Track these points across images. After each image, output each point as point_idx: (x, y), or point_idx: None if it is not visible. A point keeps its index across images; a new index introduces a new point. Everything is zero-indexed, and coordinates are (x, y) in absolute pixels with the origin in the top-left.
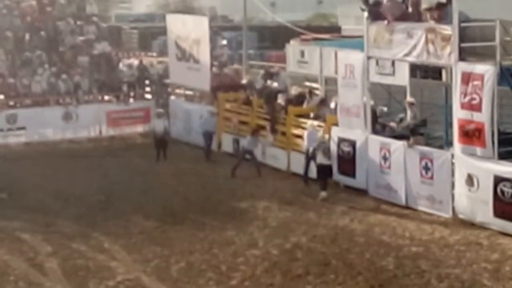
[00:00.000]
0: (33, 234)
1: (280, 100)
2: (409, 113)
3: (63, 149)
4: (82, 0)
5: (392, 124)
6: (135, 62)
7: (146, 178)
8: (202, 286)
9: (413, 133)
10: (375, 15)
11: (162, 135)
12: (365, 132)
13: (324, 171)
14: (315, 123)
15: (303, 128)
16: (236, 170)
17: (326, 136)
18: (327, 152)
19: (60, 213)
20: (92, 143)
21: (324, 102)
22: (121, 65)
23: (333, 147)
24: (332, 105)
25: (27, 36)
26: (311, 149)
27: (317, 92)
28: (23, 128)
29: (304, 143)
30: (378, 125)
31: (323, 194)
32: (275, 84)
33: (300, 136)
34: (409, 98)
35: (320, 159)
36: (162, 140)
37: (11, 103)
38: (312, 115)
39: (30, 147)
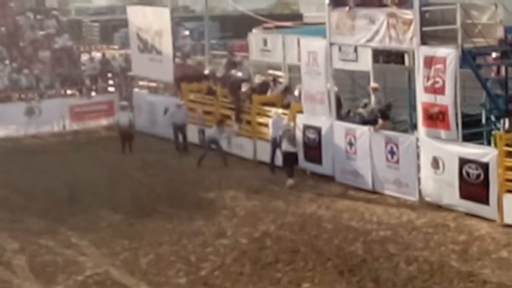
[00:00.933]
0: None
1: (244, 89)
2: (373, 98)
3: (27, 144)
4: None
5: (361, 110)
6: (97, 55)
7: (112, 171)
8: (171, 278)
9: (383, 117)
10: (337, 1)
11: (126, 128)
12: (330, 118)
13: (290, 159)
14: (280, 110)
15: (268, 117)
16: (202, 160)
17: (291, 123)
18: (292, 139)
19: (26, 209)
20: (56, 138)
21: (288, 90)
22: (83, 58)
23: (299, 135)
24: (296, 92)
25: None
26: (278, 137)
27: (281, 80)
28: None
29: (269, 131)
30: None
31: (290, 181)
32: (239, 74)
33: (265, 125)
34: (372, 84)
35: (286, 146)
36: (127, 132)
37: None
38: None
39: None
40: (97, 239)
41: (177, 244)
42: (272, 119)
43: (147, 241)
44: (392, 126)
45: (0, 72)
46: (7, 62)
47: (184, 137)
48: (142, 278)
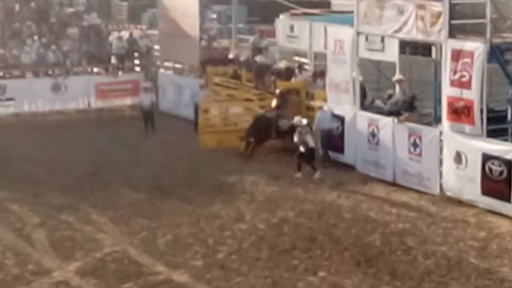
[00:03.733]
0: (21, 205)
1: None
2: (398, 89)
3: (52, 120)
4: None
5: (378, 101)
6: (125, 34)
7: (134, 150)
8: (188, 259)
9: (409, 108)
10: None
11: (149, 109)
12: (354, 108)
13: (312, 153)
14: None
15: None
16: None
17: (304, 120)
18: (311, 135)
19: (48, 184)
20: (80, 114)
21: (317, 75)
22: (110, 37)
23: (334, 127)
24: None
25: (17, 7)
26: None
27: (306, 67)
28: (12, 99)
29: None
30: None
31: (318, 174)
32: (263, 59)
33: None
34: (397, 76)
35: (310, 142)
36: (149, 113)
37: (0, 73)
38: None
39: (19, 118)
40: (117, 217)
41: (196, 226)
42: (320, 111)
43: (165, 222)
44: (418, 118)
45: (28, 47)
46: (35, 37)
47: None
48: (159, 258)
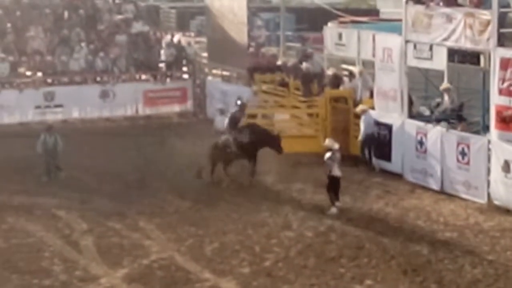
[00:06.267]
0: (68, 211)
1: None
2: (446, 98)
3: (100, 127)
4: None
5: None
6: (176, 38)
7: (182, 157)
8: (235, 267)
9: (458, 118)
10: None
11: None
12: (402, 116)
13: (338, 183)
14: (365, 107)
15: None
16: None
17: (336, 145)
18: (339, 163)
19: (96, 190)
20: (128, 121)
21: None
22: (163, 41)
23: (376, 131)
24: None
25: (65, 14)
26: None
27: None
28: (60, 105)
29: (361, 129)
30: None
31: (335, 210)
32: (309, 66)
33: None
34: (444, 85)
35: (335, 171)
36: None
37: (49, 80)
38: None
39: (67, 125)
40: (164, 224)
41: (242, 234)
42: (364, 116)
43: (212, 229)
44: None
45: (76, 53)
46: (84, 44)
47: None
48: (206, 266)
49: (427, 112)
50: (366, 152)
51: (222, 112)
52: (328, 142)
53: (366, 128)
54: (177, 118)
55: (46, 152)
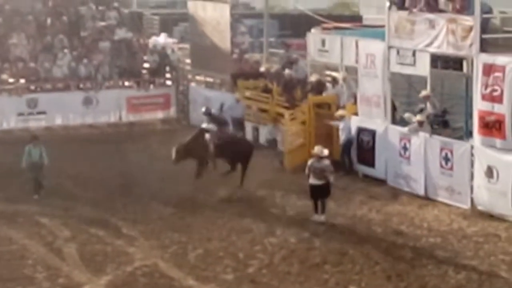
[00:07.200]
0: (52, 219)
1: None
2: (428, 104)
3: (83, 134)
4: None
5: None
6: (161, 39)
7: (165, 164)
8: (219, 273)
9: (443, 123)
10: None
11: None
12: (385, 122)
13: (314, 191)
14: (344, 112)
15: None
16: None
17: (325, 151)
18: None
19: (78, 197)
20: (111, 128)
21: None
22: (150, 41)
23: (353, 137)
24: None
25: (48, 21)
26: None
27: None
28: (43, 112)
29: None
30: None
31: (324, 217)
32: (292, 72)
33: None
34: (423, 92)
35: (311, 179)
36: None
37: (32, 87)
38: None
39: (50, 132)
40: (147, 230)
41: (226, 240)
42: (342, 122)
43: (196, 236)
44: (449, 133)
45: (59, 60)
46: (67, 51)
47: (243, 131)
48: (189, 272)
49: (413, 119)
50: (346, 157)
51: (211, 134)
52: (316, 149)
53: (345, 134)
54: (160, 124)
55: (32, 166)
